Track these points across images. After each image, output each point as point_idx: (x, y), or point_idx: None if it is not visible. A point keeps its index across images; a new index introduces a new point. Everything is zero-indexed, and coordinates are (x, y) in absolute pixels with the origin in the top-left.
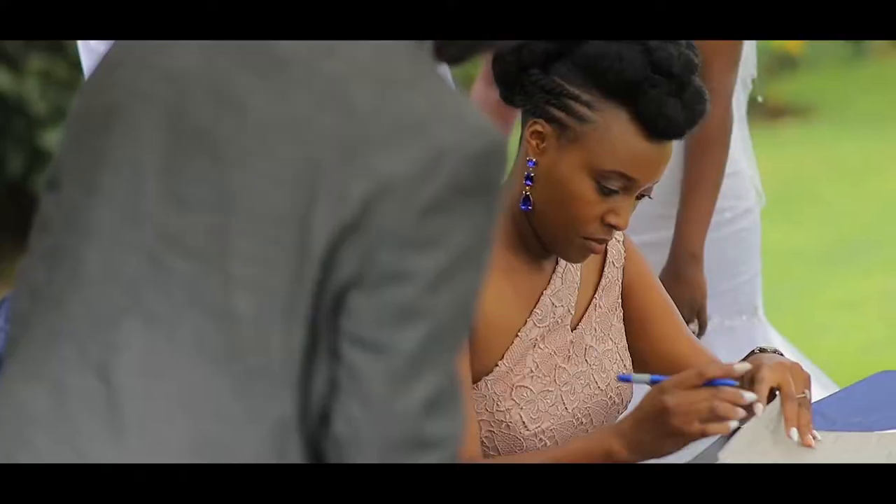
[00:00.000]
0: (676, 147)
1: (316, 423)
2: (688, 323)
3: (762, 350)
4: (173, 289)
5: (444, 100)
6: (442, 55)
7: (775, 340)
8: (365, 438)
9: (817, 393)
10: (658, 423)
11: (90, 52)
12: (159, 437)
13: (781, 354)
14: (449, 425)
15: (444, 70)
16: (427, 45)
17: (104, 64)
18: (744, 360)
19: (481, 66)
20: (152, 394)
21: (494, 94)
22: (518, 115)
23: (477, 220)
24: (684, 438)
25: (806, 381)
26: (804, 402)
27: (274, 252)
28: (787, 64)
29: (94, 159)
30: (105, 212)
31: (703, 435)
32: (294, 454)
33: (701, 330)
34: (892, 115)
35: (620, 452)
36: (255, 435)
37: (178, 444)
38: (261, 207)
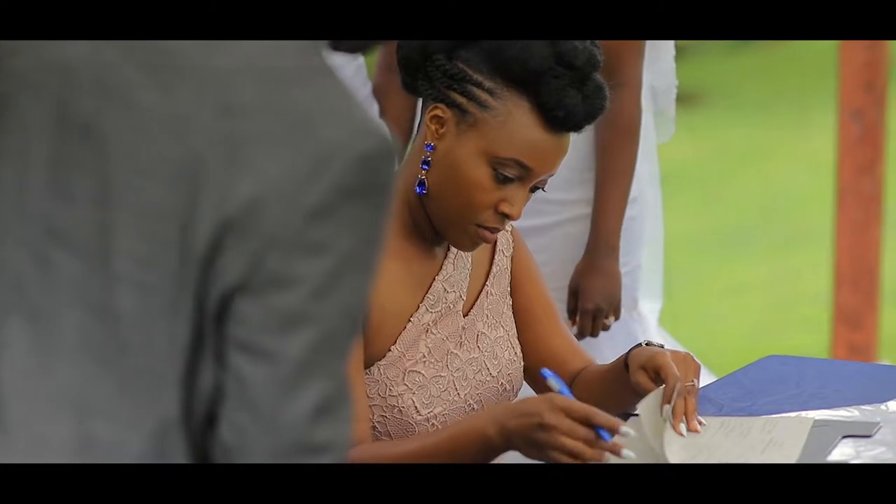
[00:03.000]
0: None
1: (201, 423)
2: (605, 316)
3: (649, 344)
4: (57, 285)
5: (332, 98)
6: (339, 46)
7: (654, 335)
8: (253, 446)
9: (707, 378)
10: (529, 428)
11: None
12: (43, 436)
13: (663, 348)
14: (338, 431)
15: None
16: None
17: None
18: (627, 353)
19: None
20: (36, 392)
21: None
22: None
23: (365, 223)
24: (543, 453)
25: (696, 371)
26: (692, 391)
27: (156, 250)
28: None
29: None
30: None
31: (555, 461)
32: (178, 454)
33: (615, 319)
34: (777, 102)
35: (495, 438)
36: (139, 434)
37: (61, 443)
38: (144, 204)
